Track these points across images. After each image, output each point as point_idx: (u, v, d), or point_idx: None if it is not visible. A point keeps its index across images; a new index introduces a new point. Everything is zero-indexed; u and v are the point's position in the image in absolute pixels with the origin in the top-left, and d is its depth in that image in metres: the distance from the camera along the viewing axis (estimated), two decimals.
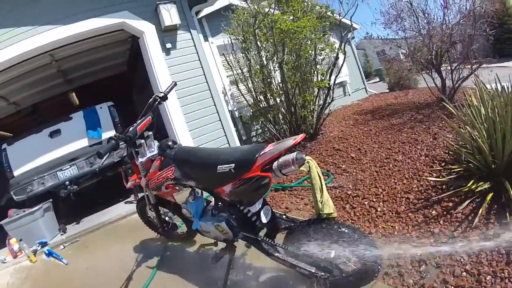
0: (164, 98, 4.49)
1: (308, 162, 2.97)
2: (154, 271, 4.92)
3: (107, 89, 13.46)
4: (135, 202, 7.08)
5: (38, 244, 6.74)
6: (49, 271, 5.94)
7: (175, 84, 4.76)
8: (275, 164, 2.98)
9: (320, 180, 3.07)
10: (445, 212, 4.35)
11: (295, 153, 2.94)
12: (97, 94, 10.96)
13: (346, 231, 3.09)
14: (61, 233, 7.60)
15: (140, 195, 5.69)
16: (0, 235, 7.25)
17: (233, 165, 3.13)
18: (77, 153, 8.34)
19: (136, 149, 4.12)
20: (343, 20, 10.09)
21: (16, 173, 8.04)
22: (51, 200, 7.92)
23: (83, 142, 8.45)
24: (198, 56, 9.34)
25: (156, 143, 4.23)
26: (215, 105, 9.40)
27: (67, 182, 7.99)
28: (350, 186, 5.98)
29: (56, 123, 8.48)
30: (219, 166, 3.23)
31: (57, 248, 6.58)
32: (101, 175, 8.96)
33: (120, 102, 10.08)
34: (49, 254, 6.34)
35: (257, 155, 2.99)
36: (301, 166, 2.92)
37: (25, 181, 7.90)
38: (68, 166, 8.10)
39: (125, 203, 8.67)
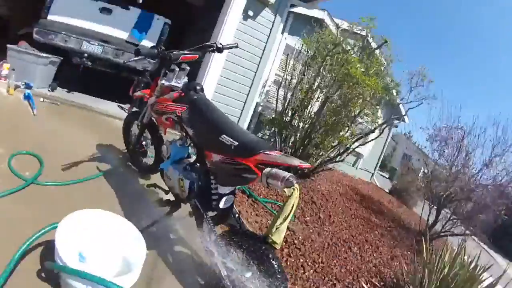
0: (220, 50, 4.53)
1: (293, 189, 2.93)
2: (99, 174, 4.94)
3: (172, 10, 13.37)
4: (128, 111, 7.08)
5: (24, 83, 6.72)
6: (16, 110, 5.95)
7: (237, 46, 4.77)
8: (267, 169, 2.95)
9: (291, 211, 3.04)
10: None
11: (289, 174, 2.92)
12: (161, 9, 10.84)
13: (275, 266, 3.07)
14: (50, 89, 7.56)
15: (135, 110, 5.70)
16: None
17: (236, 143, 3.15)
18: (112, 39, 8.31)
19: (167, 71, 4.16)
20: (401, 106, 10.12)
21: (50, 17, 7.94)
22: (62, 58, 7.91)
23: (123, 35, 8.45)
24: (267, 40, 9.45)
25: (186, 79, 4.27)
26: (250, 89, 9.52)
27: (86, 54, 7.97)
28: (300, 237, 5.95)
29: (113, 3, 8.45)
30: (223, 135, 3.25)
31: (37, 98, 6.53)
32: (116, 71, 8.91)
33: (176, 29, 10.07)
34: (27, 97, 6.33)
35: (261, 151, 3.01)
36: (286, 188, 2.89)
37: (52, 28, 7.82)
38: (96, 44, 8.05)
39: (118, 106, 8.66)
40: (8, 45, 6.97)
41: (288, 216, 3.04)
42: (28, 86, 6.69)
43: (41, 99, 6.66)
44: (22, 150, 4.57)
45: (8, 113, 5.75)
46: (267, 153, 2.99)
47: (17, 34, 8.89)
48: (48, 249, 3.00)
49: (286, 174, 2.87)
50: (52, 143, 5.21)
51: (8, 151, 4.43)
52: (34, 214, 3.53)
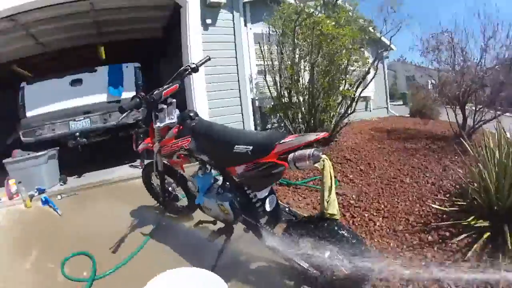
0: (195, 69, 4.50)
1: (323, 160, 2.95)
2: (147, 239, 4.94)
3: (136, 51, 13.41)
4: (140, 167, 7.09)
5: (36, 190, 6.71)
6: (41, 219, 5.92)
7: (209, 59, 4.76)
8: (290, 155, 2.98)
9: (331, 181, 3.05)
10: (440, 240, 4.36)
11: (313, 149, 2.94)
12: (125, 54, 10.90)
13: (346, 234, 3.08)
14: (61, 183, 7.59)
15: (146, 161, 5.71)
16: (0, 174, 7.21)
17: (251, 147, 3.15)
18: (94, 106, 8.29)
19: (157, 113, 4.13)
20: (383, 38, 10.07)
21: (29, 114, 7.98)
22: (57, 148, 7.87)
23: (102, 97, 8.42)
24: (234, 39, 9.49)
25: (177, 111, 4.24)
26: (239, 89, 9.56)
27: (77, 134, 7.95)
28: (353, 196, 5.98)
29: (79, 72, 8.44)
30: (236, 146, 3.24)
31: (54, 197, 6.53)
32: (112, 133, 8.91)
33: (147, 67, 10.06)
34: (45, 202, 6.32)
35: (276, 142, 3.01)
36: (315, 163, 2.91)
37: (36, 124, 7.86)
38: (82, 118, 8.06)
39: (130, 166, 8.69)
40: (4, 161, 6.99)
41: (331, 186, 3.05)
42: (41, 191, 6.73)
43: (59, 197, 6.64)
44: (68, 256, 4.57)
45: (36, 225, 5.74)
46: (282, 142, 3.01)
47: (6, 145, 8.94)
48: None
49: (310, 151, 2.90)
50: (90, 233, 5.20)
51: (56, 261, 4.46)
52: None
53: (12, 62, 11.07)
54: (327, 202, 3.06)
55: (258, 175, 3.21)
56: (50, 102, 8.08)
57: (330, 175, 3.03)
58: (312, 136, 3.01)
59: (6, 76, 10.99)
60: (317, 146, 7.30)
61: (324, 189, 3.06)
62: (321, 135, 3.00)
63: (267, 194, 3.60)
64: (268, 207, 3.59)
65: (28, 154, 7.23)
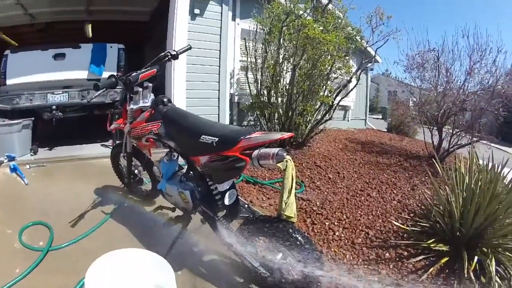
0: (175, 57, 4.52)
1: (287, 161, 2.97)
2: (106, 217, 4.95)
3: (123, 33, 13.36)
4: (111, 147, 7.07)
5: (6, 157, 6.71)
6: (8, 186, 5.91)
7: (190, 48, 4.80)
8: (255, 152, 2.99)
9: (292, 182, 3.08)
10: (397, 259, 4.40)
11: (278, 148, 2.95)
12: (112, 34, 10.87)
13: (299, 238, 3.10)
14: (32, 153, 7.54)
15: (118, 142, 5.70)
16: None
17: (216, 139, 3.15)
18: (73, 82, 8.27)
19: (132, 95, 4.14)
20: (369, 48, 10.14)
21: (8, 81, 7.94)
22: (32, 118, 7.84)
23: (82, 74, 8.38)
24: (221, 32, 9.51)
25: (152, 96, 4.26)
26: (219, 83, 9.59)
27: (54, 107, 7.93)
28: (317, 203, 6.00)
29: (63, 47, 8.40)
30: (203, 136, 3.25)
31: (23, 166, 6.52)
32: (88, 111, 8.92)
33: (132, 50, 10.03)
34: (14, 169, 6.30)
35: (242, 137, 3.01)
36: (279, 162, 2.92)
37: (14, 92, 7.83)
38: (60, 92, 8.04)
39: (102, 145, 8.69)
40: None
41: (291, 188, 3.08)
42: (11, 158, 6.70)
43: (27, 166, 6.62)
44: (27, 223, 4.57)
45: (2, 191, 5.71)
46: (247, 138, 3.00)
47: None
48: None
49: (275, 150, 2.91)
50: (53, 205, 5.21)
51: (15, 228, 4.45)
52: (61, 280, 3.57)
53: None
54: (285, 203, 3.09)
55: (220, 167, 3.21)
56: (31, 73, 8.03)
57: (292, 176, 3.06)
58: (277, 135, 3.06)
59: None
60: (290, 148, 7.34)
61: (283, 190, 3.09)
62: (286, 135, 3.04)
63: (227, 188, 3.60)
64: (227, 201, 3.60)
65: (3, 121, 7.21)
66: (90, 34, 11.23)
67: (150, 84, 4.25)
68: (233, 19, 10.16)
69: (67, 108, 8.38)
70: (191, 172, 3.87)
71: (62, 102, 8.06)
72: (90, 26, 11.47)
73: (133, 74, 4.02)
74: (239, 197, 3.89)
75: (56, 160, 7.17)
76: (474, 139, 8.30)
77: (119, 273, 3.11)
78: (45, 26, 12.60)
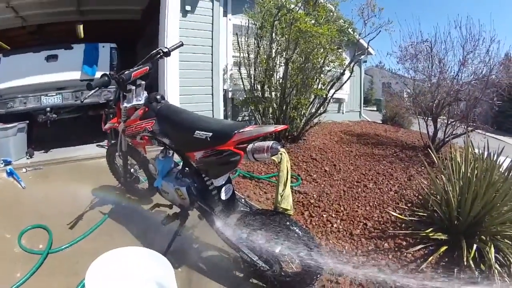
0: (167, 54, 4.52)
1: (281, 154, 2.97)
2: (105, 217, 4.95)
3: (115, 32, 13.35)
4: (107, 147, 7.07)
5: (2, 161, 6.70)
6: (4, 190, 5.90)
7: (182, 45, 4.79)
8: (250, 146, 3.00)
9: (287, 175, 3.08)
10: (396, 249, 4.41)
11: (272, 141, 2.96)
12: (103, 34, 10.86)
13: (297, 230, 3.11)
14: (27, 157, 7.54)
15: (113, 142, 5.70)
16: None
17: (210, 134, 3.15)
18: (67, 83, 8.23)
19: (125, 93, 4.14)
20: (361, 41, 10.14)
21: (1, 85, 7.87)
22: (27, 122, 7.83)
23: (75, 75, 8.32)
24: (212, 28, 9.52)
25: (145, 94, 4.25)
26: (212, 79, 9.61)
27: (48, 109, 7.89)
28: (314, 195, 6.02)
29: (55, 48, 8.34)
30: (197, 131, 3.25)
31: (19, 170, 6.50)
32: (83, 112, 8.91)
33: (124, 49, 10.01)
34: (10, 173, 6.29)
35: (235, 131, 3.01)
36: (273, 155, 2.93)
37: (7, 96, 7.79)
38: (54, 94, 7.99)
39: (97, 145, 8.67)
40: None
41: (287, 181, 3.08)
42: (6, 163, 6.68)
43: (24, 170, 6.59)
44: (26, 227, 4.57)
45: (0, 196, 5.70)
46: (241, 131, 3.00)
47: None
48: None
49: (269, 143, 2.92)
50: (51, 208, 5.20)
51: (14, 232, 4.45)
52: (62, 281, 3.58)
53: None
54: (281, 196, 3.09)
55: (215, 162, 3.21)
56: (24, 75, 7.96)
57: (287, 169, 3.06)
58: (270, 128, 3.05)
59: None
60: (285, 142, 7.33)
61: (279, 183, 3.09)
62: (279, 127, 3.04)
63: (223, 182, 3.61)
64: (223, 196, 3.60)
65: None
66: (82, 35, 11.21)
67: (143, 82, 4.24)
68: (225, 14, 10.17)
69: (61, 110, 8.34)
70: (187, 169, 3.88)
71: (56, 104, 8.02)
72: (81, 26, 11.44)
73: (125, 72, 4.01)
74: (235, 191, 3.90)
75: (52, 162, 7.15)
76: (469, 128, 8.31)
77: (119, 271, 3.12)
78: (36, 28, 12.58)
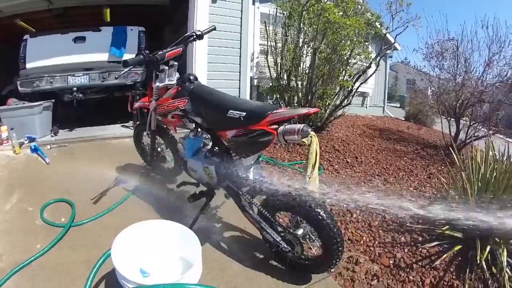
0: (200, 37, 4.58)
1: (311, 136, 2.98)
2: (129, 195, 5.01)
3: (141, 17, 13.30)
4: (132, 128, 7.13)
5: (26, 138, 6.81)
6: (29, 166, 5.99)
7: (214, 28, 4.85)
8: (281, 128, 3.01)
9: (316, 158, 3.08)
10: (412, 243, 4.43)
11: (302, 124, 2.99)
12: (131, 20, 10.83)
13: (321, 213, 3.12)
14: (52, 134, 7.67)
15: (141, 121, 5.76)
16: None
17: (244, 113, 3.17)
18: (94, 64, 8.35)
19: (158, 73, 4.21)
20: (388, 35, 10.11)
21: (28, 65, 8.07)
22: (53, 100, 7.98)
23: (103, 56, 8.45)
24: (241, 15, 9.52)
25: (177, 74, 4.32)
26: (240, 65, 9.62)
27: (74, 89, 8.01)
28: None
29: (83, 30, 8.50)
30: (230, 111, 3.27)
31: (44, 147, 6.62)
32: (109, 93, 9.02)
33: (152, 34, 10.07)
34: (35, 150, 6.40)
35: (269, 112, 3.03)
36: (304, 138, 2.94)
37: (34, 76, 7.94)
38: (81, 74, 8.11)
39: (122, 126, 8.78)
40: None
41: (315, 163, 3.08)
42: (31, 139, 6.80)
43: (48, 147, 6.73)
44: (49, 201, 4.66)
45: (23, 171, 5.80)
46: (275, 112, 3.01)
47: (1, 95, 8.97)
48: (112, 279, 3.07)
49: (300, 126, 2.94)
50: (74, 183, 5.29)
51: (37, 206, 4.54)
52: (83, 254, 3.63)
53: (17, 16, 10.99)
54: (309, 177, 3.10)
55: (247, 141, 3.24)
56: (51, 56, 8.14)
57: (316, 152, 3.07)
58: (304, 110, 3.07)
59: (10, 30, 10.92)
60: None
61: (308, 164, 3.10)
62: (312, 110, 3.04)
63: (252, 163, 3.65)
64: (251, 176, 3.62)
65: (24, 103, 7.32)
66: (109, 19, 11.20)
67: (176, 63, 4.30)
68: (253, 3, 10.17)
69: (88, 90, 8.45)
70: (216, 148, 3.92)
71: (83, 84, 8.14)
72: (108, 11, 11.42)
73: (160, 53, 4.06)
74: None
75: (76, 140, 7.27)
76: (491, 132, 8.26)
77: (145, 244, 3.18)
78: (62, 12, 12.62)
